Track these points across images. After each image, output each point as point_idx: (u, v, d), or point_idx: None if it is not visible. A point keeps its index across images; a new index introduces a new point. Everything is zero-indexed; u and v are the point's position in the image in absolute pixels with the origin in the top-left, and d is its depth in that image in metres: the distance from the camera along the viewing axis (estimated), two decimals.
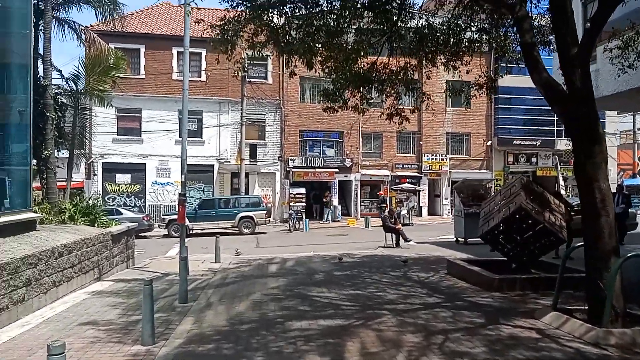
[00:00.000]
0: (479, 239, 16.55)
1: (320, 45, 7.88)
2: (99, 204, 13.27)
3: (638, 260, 6.36)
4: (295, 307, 7.75)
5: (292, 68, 9.18)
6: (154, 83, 27.29)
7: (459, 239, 16.90)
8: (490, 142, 29.94)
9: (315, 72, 9.19)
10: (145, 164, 26.91)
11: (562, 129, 30.12)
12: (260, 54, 8.27)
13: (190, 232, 21.75)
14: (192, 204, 24.80)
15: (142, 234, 21.64)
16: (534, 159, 30.66)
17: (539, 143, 30.04)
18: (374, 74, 10.32)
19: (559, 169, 27.75)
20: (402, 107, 10.89)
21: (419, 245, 16.52)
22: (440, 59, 10.41)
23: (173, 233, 21.25)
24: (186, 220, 21.64)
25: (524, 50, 7.35)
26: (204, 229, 22.44)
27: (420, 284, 9.65)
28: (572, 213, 10.53)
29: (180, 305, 8.11)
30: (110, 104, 17.28)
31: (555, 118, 30.12)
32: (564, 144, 30.32)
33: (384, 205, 26.88)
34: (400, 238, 16.24)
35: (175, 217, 18.15)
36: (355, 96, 10.64)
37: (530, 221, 9.25)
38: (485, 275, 9.11)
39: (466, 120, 29.92)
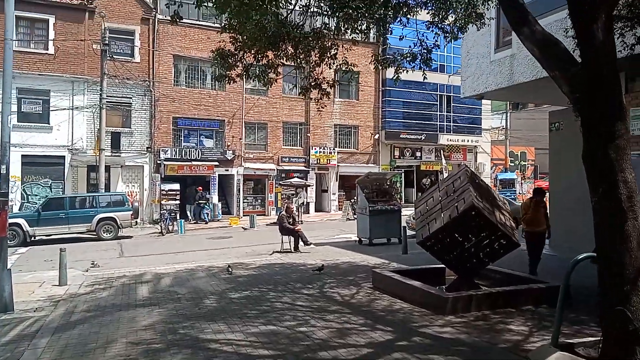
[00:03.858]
0: (384, 239, 15.26)
1: None
2: None
3: None
4: None
5: (176, 9, 6.34)
6: None
7: (362, 239, 15.11)
8: (377, 135, 29.04)
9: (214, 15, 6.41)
10: None
11: (445, 124, 30.41)
12: None
13: (32, 239, 17.30)
14: (37, 203, 20.14)
15: None
16: (418, 153, 30.50)
17: (423, 137, 29.89)
18: (285, 32, 7.81)
19: (444, 162, 27.68)
20: (321, 77, 8.53)
21: (319, 247, 14.41)
22: (368, 19, 8.25)
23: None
24: (24, 224, 17.49)
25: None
26: (50, 235, 17.99)
27: (349, 308, 7.38)
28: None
29: None
30: None
31: (438, 113, 30.31)
32: (446, 139, 30.61)
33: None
34: (300, 241, 13.97)
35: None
36: (260, 61, 8.04)
37: (478, 221, 7.52)
38: (432, 294, 7.14)
39: (355, 112, 28.62)
